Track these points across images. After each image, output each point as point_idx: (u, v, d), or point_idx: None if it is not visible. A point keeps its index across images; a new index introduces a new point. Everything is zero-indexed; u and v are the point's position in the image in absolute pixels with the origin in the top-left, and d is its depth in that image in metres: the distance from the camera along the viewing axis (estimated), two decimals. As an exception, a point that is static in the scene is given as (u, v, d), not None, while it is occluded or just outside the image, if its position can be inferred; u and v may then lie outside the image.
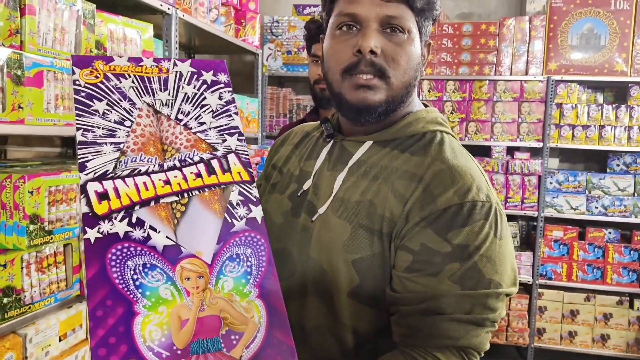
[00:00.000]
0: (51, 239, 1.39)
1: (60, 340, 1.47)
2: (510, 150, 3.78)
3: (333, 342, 0.92)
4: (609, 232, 3.63)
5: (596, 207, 3.59)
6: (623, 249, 3.54)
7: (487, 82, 3.71)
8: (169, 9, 2.03)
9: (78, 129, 0.81)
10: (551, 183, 3.67)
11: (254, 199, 0.82)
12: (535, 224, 3.70)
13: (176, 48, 2.10)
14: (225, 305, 0.74)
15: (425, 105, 1.03)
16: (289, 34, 3.92)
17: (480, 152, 3.79)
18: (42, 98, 1.39)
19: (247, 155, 0.87)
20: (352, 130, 1.00)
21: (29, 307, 1.37)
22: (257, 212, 0.82)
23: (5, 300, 1.31)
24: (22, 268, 1.34)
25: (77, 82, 0.84)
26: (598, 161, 3.89)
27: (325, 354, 0.93)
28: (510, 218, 3.79)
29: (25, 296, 1.36)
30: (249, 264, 0.78)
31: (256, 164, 2.51)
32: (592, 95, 3.70)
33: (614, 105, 3.57)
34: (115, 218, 0.75)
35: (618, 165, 3.68)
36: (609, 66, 3.52)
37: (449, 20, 3.92)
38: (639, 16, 3.47)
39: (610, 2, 3.52)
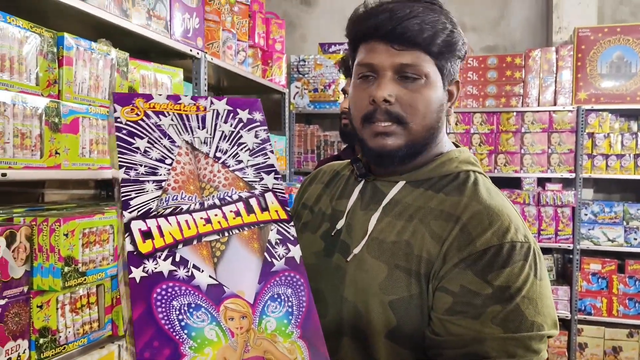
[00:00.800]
0: (85, 280, 1.42)
1: (92, 380, 1.49)
2: (541, 182, 3.72)
3: None
4: (650, 264, 3.51)
5: (635, 239, 3.48)
6: (666, 282, 3.40)
7: (515, 113, 3.69)
8: (198, 53, 2.11)
9: (121, 166, 0.83)
10: (586, 214, 3.59)
11: (292, 238, 0.83)
12: (571, 256, 3.61)
13: (205, 90, 2.17)
14: (269, 346, 0.75)
15: (457, 146, 1.03)
16: (315, 72, 3.99)
17: (511, 184, 3.74)
18: (78, 143, 1.44)
19: (284, 193, 0.88)
20: (383, 170, 1.01)
21: (64, 348, 1.40)
22: (296, 252, 0.82)
23: (41, 340, 1.33)
24: (57, 309, 1.38)
25: (118, 120, 0.87)
26: (635, 191, 3.79)
27: None
28: (545, 251, 3.69)
29: (60, 336, 1.38)
30: (290, 304, 0.78)
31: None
32: (626, 124, 3.63)
33: (648, 134, 3.50)
34: (160, 257, 0.76)
35: (656, 194, 3.58)
36: (641, 94, 3.47)
37: (473, 53, 3.93)
38: (669, 43, 3.43)
39: (639, 30, 3.49)
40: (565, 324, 3.61)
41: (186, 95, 0.95)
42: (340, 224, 1.00)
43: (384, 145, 0.92)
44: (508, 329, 0.81)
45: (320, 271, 0.97)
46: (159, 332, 0.72)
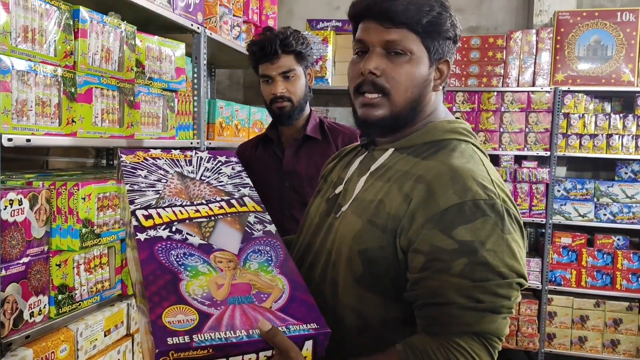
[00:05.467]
0: (99, 241, 1.51)
1: (105, 335, 1.59)
2: (518, 159, 3.88)
3: (332, 323, 0.97)
4: (618, 239, 3.71)
5: (605, 215, 3.68)
6: (632, 255, 3.61)
7: (495, 93, 3.82)
8: (198, 28, 2.17)
9: (126, 183, 1.06)
10: (559, 191, 3.77)
11: (267, 221, 1.05)
12: (543, 230, 3.79)
13: (204, 64, 2.24)
14: (253, 277, 0.92)
15: (457, 118, 1.12)
16: (304, 48, 4.04)
17: (490, 161, 3.88)
18: (92, 113, 1.52)
19: (259, 198, 1.11)
20: (381, 140, 1.12)
21: (79, 304, 1.49)
22: (272, 228, 1.04)
23: (60, 297, 1.43)
24: (73, 268, 1.47)
25: (123, 162, 1.11)
26: (606, 169, 3.98)
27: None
28: (520, 225, 3.86)
29: (76, 294, 1.48)
30: (269, 256, 0.98)
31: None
32: (600, 105, 3.80)
33: (621, 115, 3.67)
34: (159, 228, 0.97)
35: (626, 173, 3.77)
36: (616, 76, 3.63)
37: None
38: (643, 28, 3.58)
39: (616, 14, 3.64)
40: (536, 294, 3.82)
41: (175, 149, 1.23)
42: (339, 188, 1.13)
43: (369, 115, 1.04)
44: (475, 278, 0.88)
45: (319, 228, 1.11)
46: (160, 267, 0.90)
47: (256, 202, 1.09)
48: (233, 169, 1.18)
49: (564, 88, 3.70)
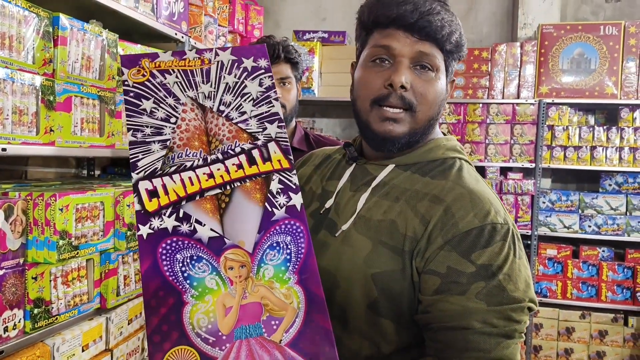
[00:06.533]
0: (77, 253, 1.47)
1: (83, 350, 1.54)
2: (504, 171, 3.90)
3: (345, 352, 0.95)
4: (603, 251, 3.74)
5: (589, 226, 3.70)
6: (617, 267, 3.63)
7: (481, 105, 3.85)
8: (182, 37, 2.15)
9: (129, 129, 0.88)
10: (544, 202, 3.78)
11: (294, 187, 0.88)
12: (529, 242, 3.80)
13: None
14: (266, 292, 0.82)
15: (444, 134, 1.10)
16: (290, 59, 4.04)
17: (476, 172, 3.90)
18: (71, 122, 1.49)
19: (287, 142, 0.91)
20: (374, 154, 1.07)
21: (56, 318, 1.45)
22: (297, 200, 0.87)
23: (35, 310, 1.38)
24: (50, 281, 1.43)
25: (126, 83, 0.91)
26: (590, 181, 4.01)
27: None
28: (506, 237, 3.87)
29: (52, 307, 1.43)
30: (288, 251, 0.85)
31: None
32: (584, 118, 3.84)
33: (605, 127, 3.70)
34: (164, 214, 0.83)
35: (610, 185, 3.79)
36: (600, 89, 3.67)
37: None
38: (627, 41, 3.63)
39: (599, 28, 3.69)
40: (522, 306, 3.81)
41: (191, 50, 0.96)
42: (329, 202, 1.06)
43: (390, 131, 0.98)
44: (491, 302, 0.87)
45: None
46: (164, 283, 0.80)
47: (283, 152, 0.90)
48: (261, 83, 0.94)
49: (548, 100, 3.73)
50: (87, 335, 1.56)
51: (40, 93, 1.38)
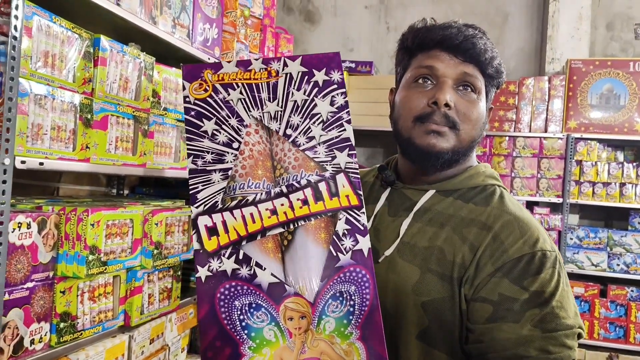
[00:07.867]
0: (105, 269, 1.49)
1: (105, 367, 1.55)
2: (530, 205, 3.85)
3: None
4: (631, 290, 3.63)
5: (618, 265, 3.61)
6: (646, 308, 3.52)
7: (507, 138, 3.82)
8: (215, 61, 2.20)
9: (189, 154, 0.83)
10: (571, 239, 3.71)
11: (362, 228, 0.81)
12: (556, 279, 3.71)
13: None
14: (326, 347, 0.76)
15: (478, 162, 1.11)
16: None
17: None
18: (106, 140, 1.52)
19: (357, 174, 0.84)
20: (411, 178, 1.07)
21: (81, 334, 1.46)
22: (364, 243, 0.81)
23: (62, 324, 1.39)
24: (77, 296, 1.44)
25: (187, 100, 0.85)
26: (619, 218, 3.92)
27: None
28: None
29: (78, 322, 1.44)
30: (352, 302, 0.78)
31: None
32: (612, 154, 3.78)
33: (634, 164, 3.64)
34: (224, 255, 0.78)
35: None
36: (629, 125, 3.62)
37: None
38: (656, 79, 3.59)
39: (629, 64, 3.66)
40: (547, 345, 3.71)
41: (257, 59, 0.89)
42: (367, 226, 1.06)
43: (434, 145, 0.97)
44: (546, 329, 0.87)
45: None
46: (221, 332, 0.76)
47: (352, 185, 0.82)
48: (332, 102, 0.85)
49: (577, 135, 3.69)
50: (110, 353, 1.56)
51: (78, 111, 1.42)
